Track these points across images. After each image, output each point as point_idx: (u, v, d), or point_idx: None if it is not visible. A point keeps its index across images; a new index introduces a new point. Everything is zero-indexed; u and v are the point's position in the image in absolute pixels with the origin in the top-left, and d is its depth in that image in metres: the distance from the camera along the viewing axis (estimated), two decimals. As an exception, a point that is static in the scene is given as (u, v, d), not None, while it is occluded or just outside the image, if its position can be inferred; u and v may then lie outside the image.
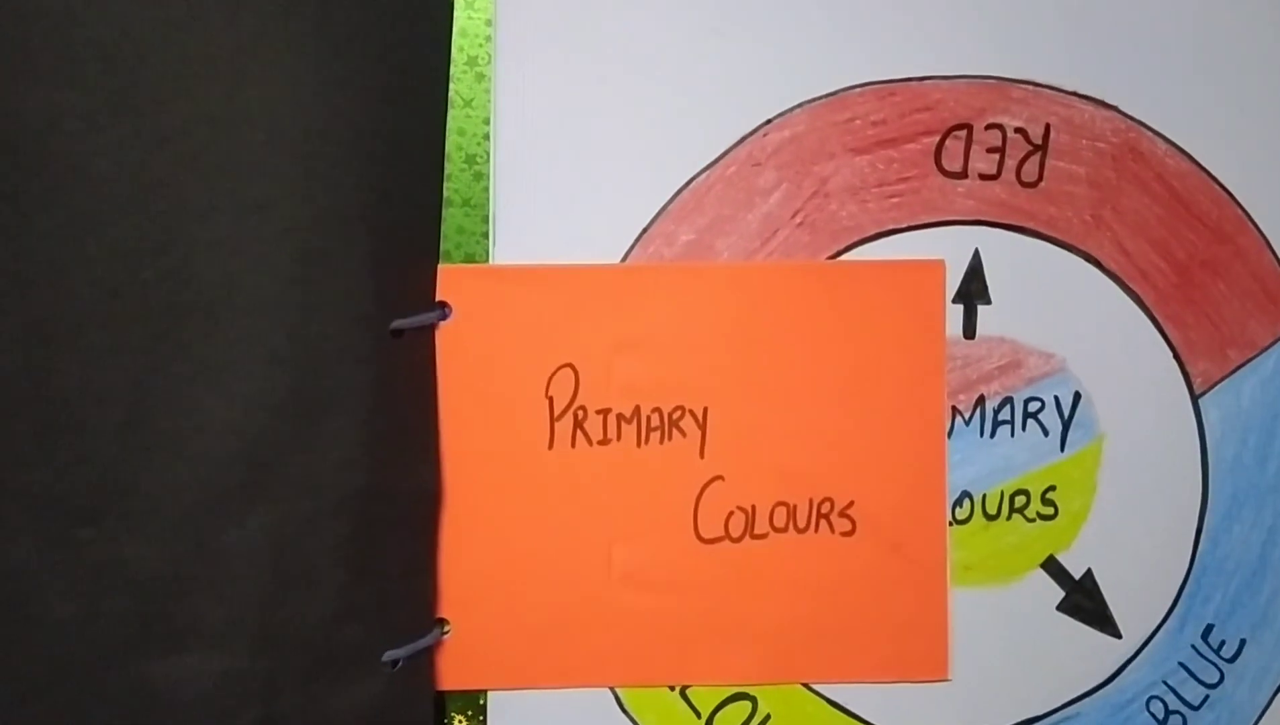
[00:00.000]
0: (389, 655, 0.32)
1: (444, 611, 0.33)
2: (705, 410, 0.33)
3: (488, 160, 0.33)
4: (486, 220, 0.33)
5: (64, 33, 0.29)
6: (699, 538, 0.33)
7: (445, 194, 0.33)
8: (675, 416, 0.33)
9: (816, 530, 0.33)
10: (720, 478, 0.33)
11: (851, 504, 0.33)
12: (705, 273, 0.33)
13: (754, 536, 0.33)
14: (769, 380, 0.33)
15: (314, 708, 0.31)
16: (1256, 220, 0.34)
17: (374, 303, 0.31)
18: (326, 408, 0.31)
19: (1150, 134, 0.34)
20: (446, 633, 0.33)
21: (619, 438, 0.33)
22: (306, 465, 0.31)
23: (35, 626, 0.30)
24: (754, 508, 0.33)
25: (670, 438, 0.33)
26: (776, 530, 0.33)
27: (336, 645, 0.31)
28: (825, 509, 0.33)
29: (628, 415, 0.33)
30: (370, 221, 0.31)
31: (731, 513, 0.33)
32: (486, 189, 0.33)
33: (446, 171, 0.32)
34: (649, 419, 0.33)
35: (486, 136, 0.33)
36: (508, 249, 0.33)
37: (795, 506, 0.33)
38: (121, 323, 0.30)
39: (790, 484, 0.33)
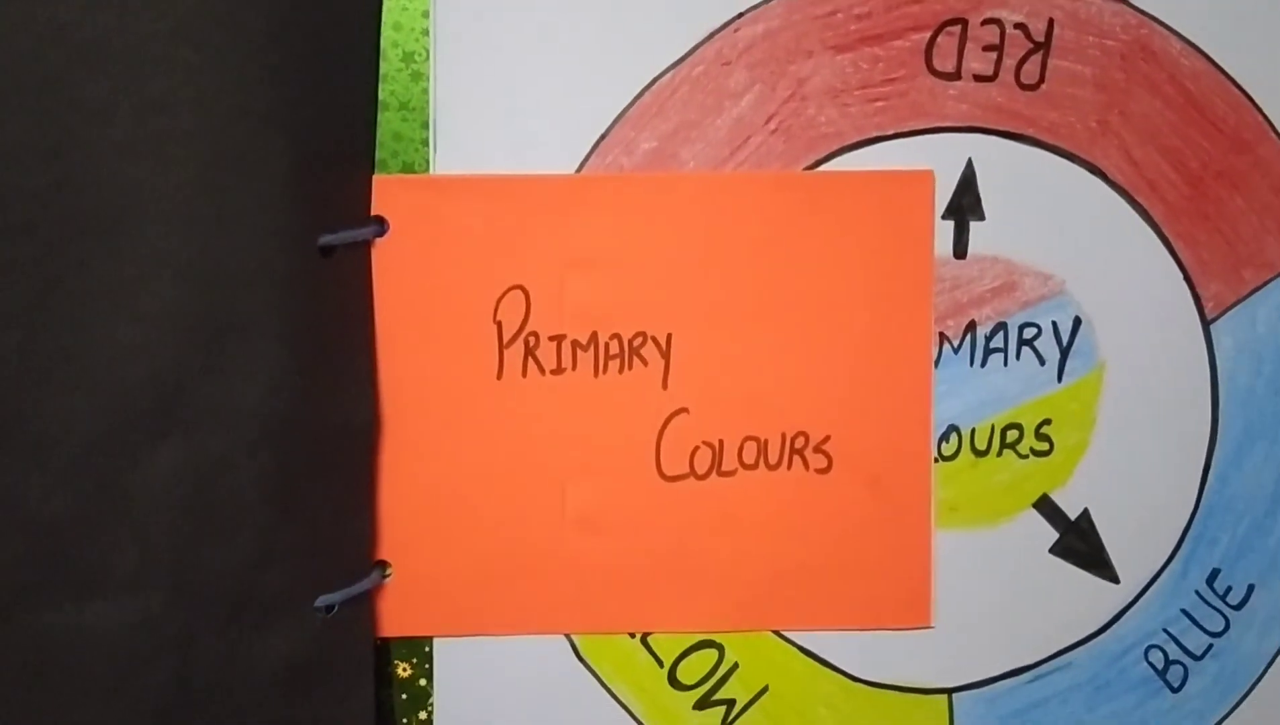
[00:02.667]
0: (322, 600, 0.28)
1: (384, 554, 0.29)
2: (669, 337, 0.29)
3: (427, 58, 0.29)
4: (426, 125, 0.29)
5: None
6: (661, 475, 0.29)
7: (380, 96, 0.29)
8: (636, 343, 0.29)
9: (789, 467, 0.29)
10: (685, 410, 0.29)
11: (827, 439, 0.29)
12: (669, 184, 0.29)
13: (721, 474, 0.29)
14: (739, 304, 0.29)
15: (238, 657, 0.28)
16: (1279, 127, 0.30)
17: (297, 215, 0.27)
18: (245, 331, 0.27)
19: (1164, 31, 0.30)
20: (388, 576, 0.29)
21: (574, 367, 0.29)
22: (223, 394, 0.27)
23: (-77, 571, 0.26)
24: (721, 443, 0.29)
25: (630, 367, 0.29)
26: (746, 467, 0.29)
27: (261, 590, 0.28)
28: (799, 444, 0.29)
29: (584, 342, 0.29)
30: (292, 124, 0.27)
31: (697, 448, 0.29)
32: (426, 90, 0.29)
33: (381, 71, 0.28)
34: (607, 346, 0.29)
35: (426, 31, 0.29)
36: (450, 157, 0.29)
37: (766, 441, 0.29)
38: (11, 236, 0.26)
39: (761, 417, 0.29)
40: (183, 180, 0.26)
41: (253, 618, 0.28)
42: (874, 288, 0.29)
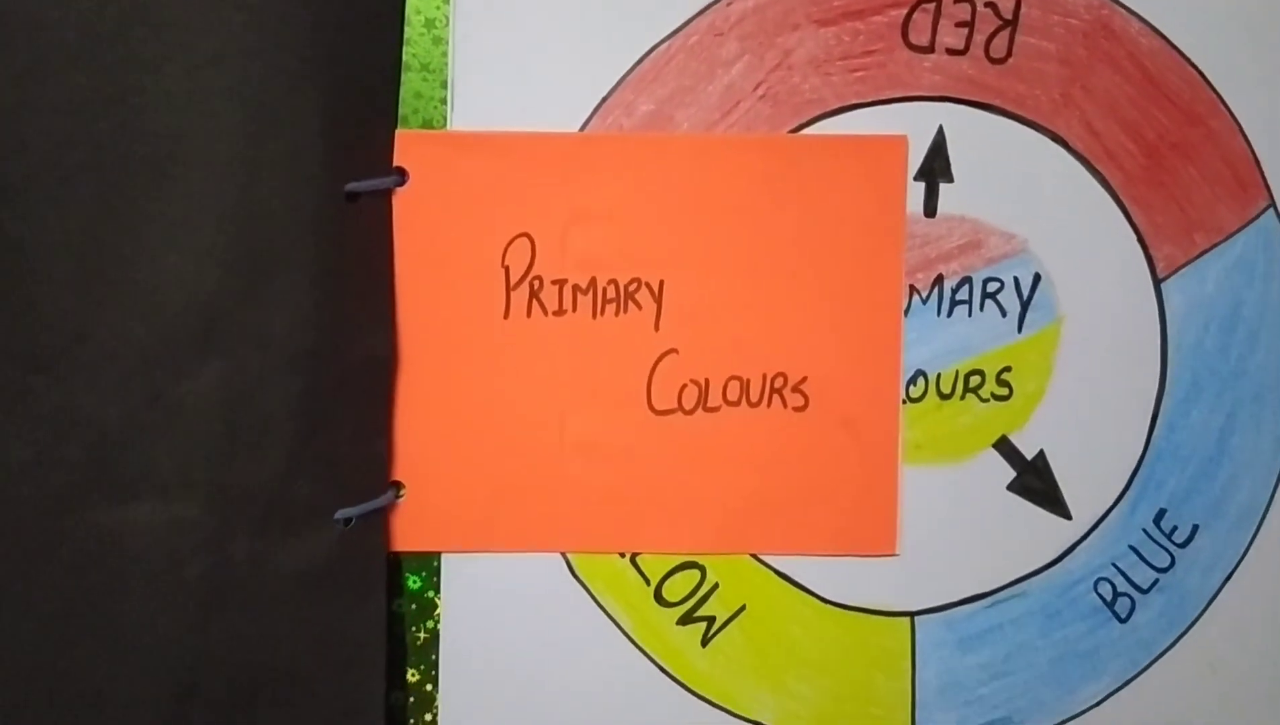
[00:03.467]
0: (341, 513, 0.31)
1: (399, 475, 0.32)
2: (661, 283, 0.32)
3: (447, 24, 0.31)
4: (445, 86, 0.31)
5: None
6: (652, 409, 0.32)
7: (404, 59, 0.31)
8: (631, 289, 0.32)
9: (769, 405, 0.32)
10: (674, 351, 0.32)
11: (804, 380, 0.32)
12: (664, 144, 0.32)
13: (706, 409, 0.32)
14: (726, 254, 0.31)
15: (264, 559, 0.31)
16: (1229, 103, 0.32)
17: (326, 164, 0.30)
18: (278, 266, 0.30)
19: (1124, 12, 0.32)
20: (401, 496, 0.32)
21: (574, 308, 0.32)
22: (258, 322, 0.30)
23: (-8, 470, 0.29)
24: (707, 381, 0.32)
25: (626, 310, 0.32)
26: (729, 404, 0.32)
27: (287, 500, 0.30)
28: (778, 384, 0.32)
29: (584, 286, 0.31)
30: (324, 83, 0.30)
31: (685, 385, 0.32)
32: (445, 54, 0.31)
33: (405, 35, 0.31)
34: (605, 291, 0.32)
35: (446, 0, 0.31)
36: (466, 115, 0.31)
37: (748, 380, 0.32)
38: (74, 174, 0.29)
39: (744, 358, 0.32)
40: (225, 130, 0.29)
41: (278, 525, 0.31)
42: (850, 242, 0.32)
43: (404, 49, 0.31)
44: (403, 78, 0.31)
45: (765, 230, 0.32)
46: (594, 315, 0.32)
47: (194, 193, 0.29)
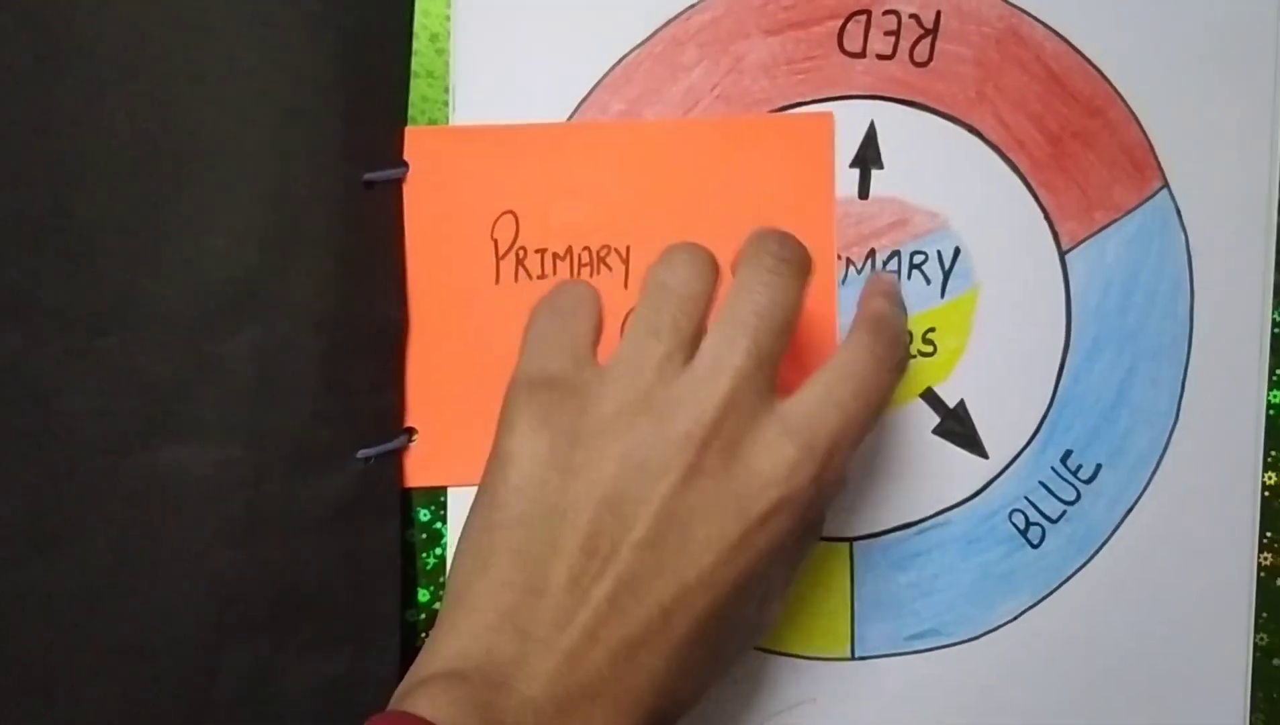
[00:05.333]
0: (361, 453, 0.35)
1: (411, 422, 0.36)
2: (628, 248, 0.35)
3: (448, 38, 0.36)
4: (447, 90, 0.36)
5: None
6: None
7: (412, 68, 0.36)
8: (603, 254, 0.35)
9: None
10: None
11: None
12: (627, 129, 0.35)
13: None
14: (680, 224, 0.35)
15: (294, 494, 0.35)
16: (1125, 96, 0.36)
17: (346, 158, 0.34)
18: (305, 244, 0.34)
19: (1030, 19, 0.36)
20: (413, 440, 0.36)
21: (555, 272, 0.36)
22: (287, 292, 0.34)
23: (62, 417, 0.34)
24: None
25: (599, 271, 0.35)
26: None
27: (313, 444, 0.35)
28: None
29: (561, 254, 0.35)
30: (344, 88, 0.34)
31: None
32: (447, 63, 0.36)
33: (413, 48, 0.36)
34: (580, 256, 0.35)
35: (448, 17, 0.36)
36: (465, 115, 0.36)
37: None
38: (133, 167, 0.33)
39: None
40: (259, 129, 0.34)
41: (306, 465, 0.35)
42: (785, 212, 0.35)
43: (412, 59, 0.36)
44: (411, 84, 0.36)
45: (711, 202, 0.35)
46: (572, 277, 0.36)
47: (232, 182, 0.34)
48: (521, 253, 0.35)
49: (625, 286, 0.35)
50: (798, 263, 0.30)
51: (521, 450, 0.30)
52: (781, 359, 0.30)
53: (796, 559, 0.32)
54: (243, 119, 0.34)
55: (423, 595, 0.37)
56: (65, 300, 0.34)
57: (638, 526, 0.28)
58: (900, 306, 0.34)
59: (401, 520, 0.36)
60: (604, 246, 0.35)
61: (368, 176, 0.35)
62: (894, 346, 0.31)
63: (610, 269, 0.35)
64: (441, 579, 0.37)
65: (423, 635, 0.37)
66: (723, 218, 0.35)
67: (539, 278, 0.35)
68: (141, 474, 0.34)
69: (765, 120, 0.35)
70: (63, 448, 0.34)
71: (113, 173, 0.33)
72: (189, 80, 0.33)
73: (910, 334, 0.36)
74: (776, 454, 0.29)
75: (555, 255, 0.36)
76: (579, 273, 0.35)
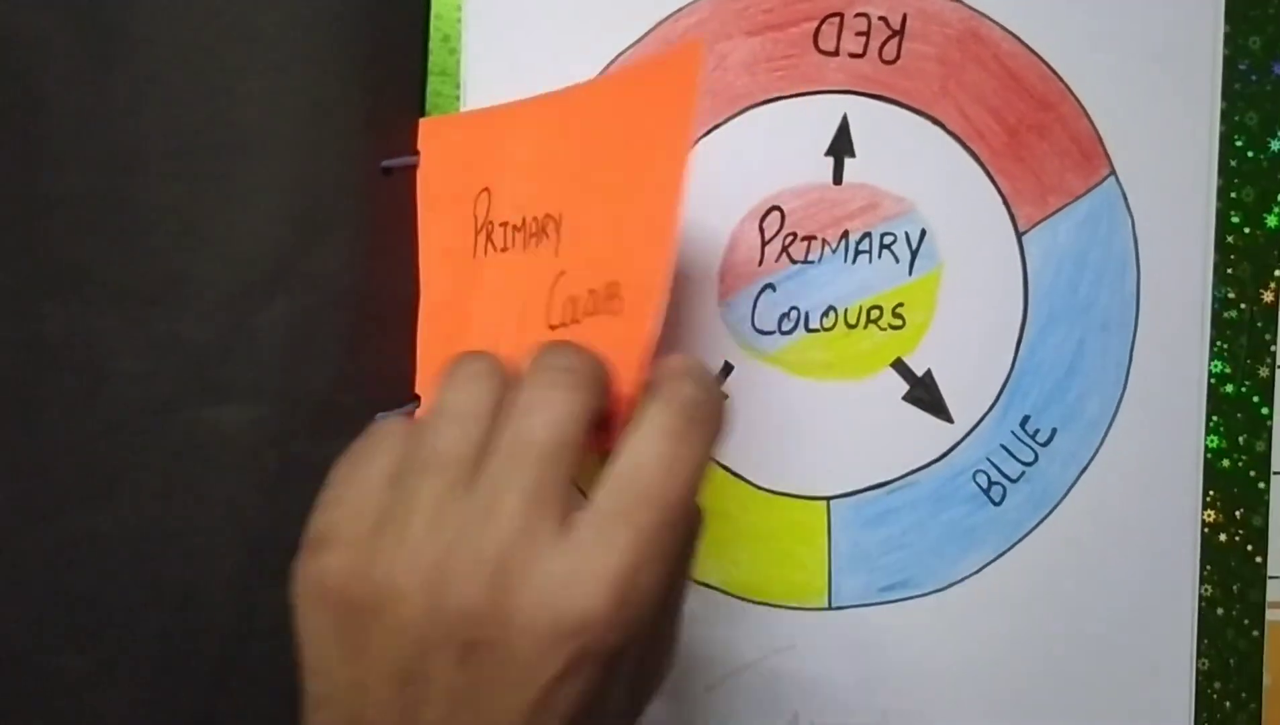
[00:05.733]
0: (380, 417, 0.39)
1: (418, 389, 0.40)
2: (561, 215, 0.35)
3: (460, 38, 0.39)
4: (458, 87, 0.39)
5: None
6: (549, 325, 0.34)
7: (427, 66, 0.39)
8: (545, 223, 0.35)
9: (604, 313, 0.33)
10: (564, 272, 0.34)
11: (619, 285, 0.32)
12: (554, 99, 0.36)
13: (575, 321, 0.34)
14: (593, 184, 0.34)
15: (319, 454, 0.38)
16: (1075, 91, 0.40)
17: (368, 146, 0.38)
18: (331, 225, 0.38)
19: (989, 21, 0.39)
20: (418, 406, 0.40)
21: (512, 244, 0.36)
22: (315, 267, 0.38)
23: (114, 379, 0.37)
24: (577, 296, 0.34)
25: (541, 242, 0.35)
26: (588, 314, 0.33)
27: (336, 407, 0.38)
28: (610, 292, 0.33)
29: (517, 225, 0.36)
30: (367, 84, 0.38)
31: (565, 301, 0.34)
32: (458, 62, 0.39)
33: (428, 48, 0.39)
34: (529, 226, 0.36)
35: (459, 20, 0.39)
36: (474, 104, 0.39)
37: (596, 290, 0.33)
38: (181, 154, 0.37)
39: (595, 272, 0.33)
40: (291, 120, 0.37)
41: (330, 426, 0.38)
42: (646, 152, 0.33)
43: (427, 59, 0.39)
44: (426, 81, 0.39)
45: (612, 159, 0.34)
46: (524, 248, 0.36)
47: (267, 168, 0.37)
48: (490, 227, 0.37)
49: (555, 254, 0.35)
50: (582, 372, 0.28)
51: (308, 629, 0.28)
52: (570, 477, 0.27)
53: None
54: (276, 112, 0.37)
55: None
56: (118, 274, 0.37)
57: (428, 708, 0.26)
58: (701, 382, 0.29)
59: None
60: (545, 215, 0.35)
61: (386, 163, 0.38)
62: (689, 433, 0.27)
63: (547, 237, 0.35)
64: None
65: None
66: (617, 171, 0.34)
67: (502, 250, 0.36)
68: (184, 431, 0.38)
69: (643, 62, 0.36)
70: (114, 407, 0.38)
71: (162, 159, 0.37)
72: (231, 76, 0.37)
73: (881, 308, 0.40)
74: (563, 603, 0.25)
75: (513, 226, 0.36)
76: (528, 243, 0.35)
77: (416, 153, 0.39)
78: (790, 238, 0.40)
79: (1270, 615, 0.41)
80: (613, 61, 0.39)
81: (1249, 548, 0.40)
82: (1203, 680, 0.41)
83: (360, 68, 0.38)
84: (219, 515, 0.38)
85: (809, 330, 0.40)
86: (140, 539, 0.38)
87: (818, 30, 0.39)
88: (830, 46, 0.39)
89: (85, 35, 0.37)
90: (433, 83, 0.39)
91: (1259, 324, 0.40)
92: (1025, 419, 0.40)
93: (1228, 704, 0.41)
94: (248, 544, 0.38)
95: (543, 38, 0.39)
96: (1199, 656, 0.40)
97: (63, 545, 0.38)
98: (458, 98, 0.39)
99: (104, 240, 0.37)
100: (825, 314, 0.40)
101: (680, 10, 0.39)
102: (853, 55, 0.39)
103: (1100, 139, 0.40)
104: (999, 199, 0.40)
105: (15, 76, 0.37)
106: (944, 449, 0.40)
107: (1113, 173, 0.40)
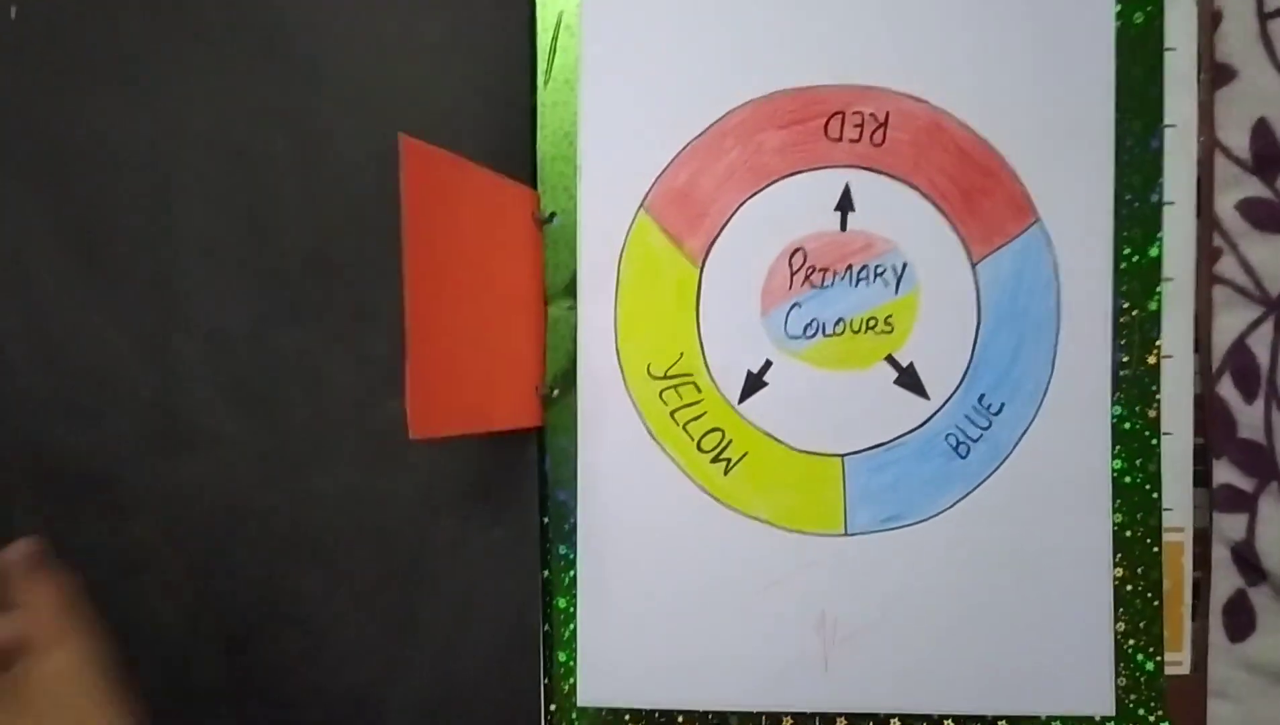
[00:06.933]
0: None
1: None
2: None
3: (577, 135, 0.55)
4: (576, 169, 0.55)
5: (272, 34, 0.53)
6: None
7: (550, 153, 0.55)
8: None
9: None
10: None
11: None
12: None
13: None
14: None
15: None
16: (1010, 163, 0.55)
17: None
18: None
19: (948, 115, 0.55)
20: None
21: None
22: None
23: (330, 383, 0.53)
24: None
25: None
26: None
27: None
28: None
29: None
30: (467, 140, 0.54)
31: None
32: (575, 150, 0.55)
33: (551, 140, 0.55)
34: None
35: (576, 123, 0.55)
36: (587, 183, 0.55)
37: None
38: (378, 213, 0.53)
39: None
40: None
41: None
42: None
43: (549, 146, 0.55)
44: (550, 165, 0.55)
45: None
46: None
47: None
48: None
49: None
50: None
51: None
52: None
53: None
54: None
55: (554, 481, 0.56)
56: (333, 302, 0.53)
57: None
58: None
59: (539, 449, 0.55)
60: None
61: (543, 217, 0.54)
62: None
63: None
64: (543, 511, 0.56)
65: (569, 521, 0.56)
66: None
67: None
68: (378, 419, 0.54)
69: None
70: (330, 402, 0.54)
71: (373, 217, 0.53)
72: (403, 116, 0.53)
73: (877, 318, 0.55)
74: None
75: None
76: None
77: (548, 219, 0.55)
78: (811, 269, 0.55)
79: (1166, 537, 0.55)
80: (683, 148, 0.55)
81: (1147, 487, 0.55)
82: (1119, 584, 0.55)
83: (465, 138, 0.54)
84: (405, 475, 0.54)
85: (826, 335, 0.55)
86: (350, 494, 0.54)
87: (826, 123, 0.55)
88: (836, 135, 0.55)
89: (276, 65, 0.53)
90: (556, 165, 0.55)
91: (1146, 325, 0.55)
92: (981, 396, 0.55)
93: (1138, 602, 0.55)
94: (421, 494, 0.54)
95: (634, 133, 0.55)
96: (1115, 567, 0.55)
97: (300, 500, 0.54)
98: (575, 176, 0.55)
99: (328, 277, 0.54)
100: (837, 323, 0.55)
101: (731, 111, 0.55)
102: (852, 141, 0.55)
103: (1029, 196, 0.55)
104: (958, 239, 0.55)
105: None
106: (924, 418, 0.55)
107: (1038, 220, 0.55)
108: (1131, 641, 0.55)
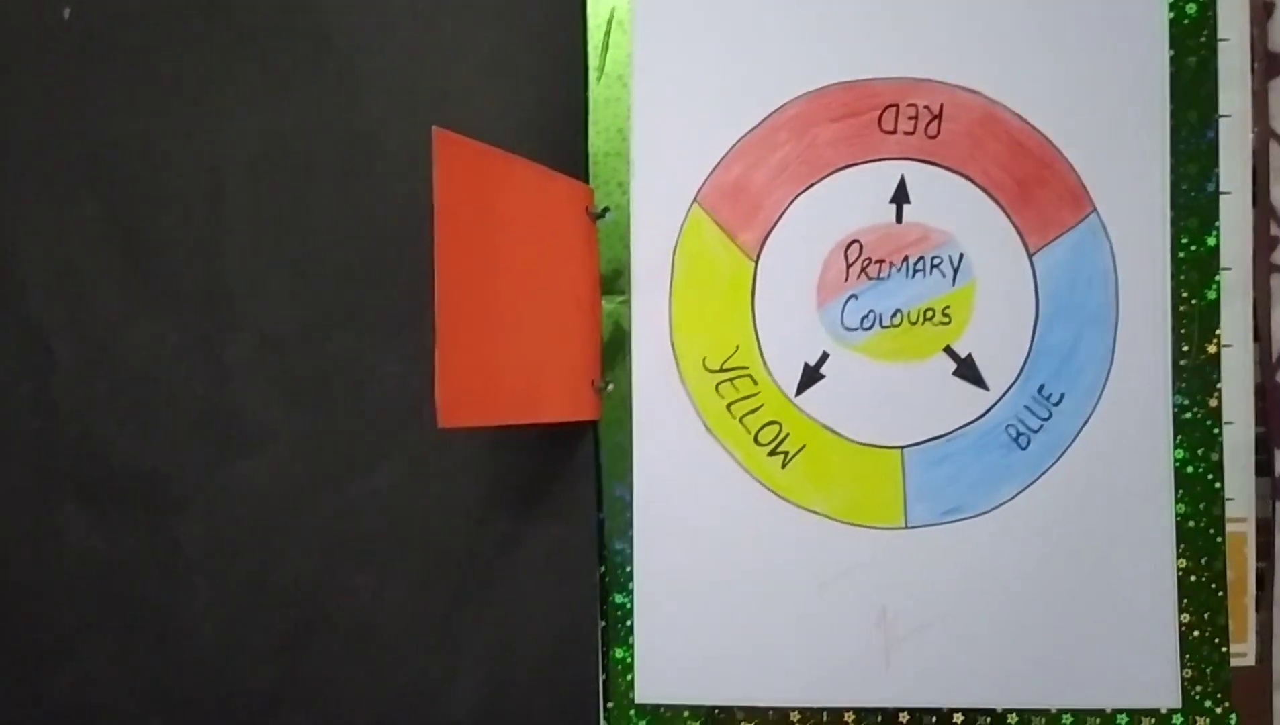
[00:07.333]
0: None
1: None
2: None
3: (630, 130, 0.55)
4: (629, 164, 0.55)
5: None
6: None
7: (604, 149, 0.55)
8: None
9: None
10: None
11: None
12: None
13: None
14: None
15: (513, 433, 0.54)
16: (1066, 154, 0.55)
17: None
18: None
19: (1002, 106, 0.55)
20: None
21: None
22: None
23: (380, 383, 0.53)
24: None
25: None
26: None
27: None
28: None
29: None
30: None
31: None
32: (628, 144, 0.55)
33: (604, 135, 0.55)
34: None
35: (629, 118, 0.55)
36: (640, 179, 0.55)
37: None
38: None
39: None
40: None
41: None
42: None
43: (600, 143, 0.55)
44: (602, 161, 0.55)
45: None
46: None
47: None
48: None
49: None
50: None
51: None
52: None
53: None
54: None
55: (608, 487, 0.55)
56: (383, 304, 0.53)
57: None
58: None
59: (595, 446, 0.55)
60: None
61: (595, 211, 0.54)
62: None
63: None
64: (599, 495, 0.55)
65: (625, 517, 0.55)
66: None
67: None
68: (429, 419, 0.53)
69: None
70: (380, 404, 0.53)
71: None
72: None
73: (934, 310, 0.55)
74: None
75: None
76: None
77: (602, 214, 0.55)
78: (867, 261, 0.55)
79: (1228, 528, 0.55)
80: (736, 142, 0.55)
81: (1210, 477, 0.55)
82: (1182, 575, 0.55)
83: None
84: (459, 470, 0.53)
85: (883, 327, 0.55)
86: (404, 496, 0.54)
87: (881, 116, 0.55)
88: (890, 127, 0.55)
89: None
90: (609, 162, 0.55)
91: (1205, 315, 0.55)
92: (1041, 387, 0.55)
93: (1202, 593, 0.54)
94: (475, 493, 0.53)
95: (688, 128, 0.55)
96: (1178, 558, 0.55)
97: (351, 500, 0.54)
98: (628, 171, 0.55)
99: (376, 283, 0.53)
100: (894, 315, 0.55)
101: (784, 105, 0.55)
102: (906, 133, 0.55)
103: (1084, 187, 0.55)
104: (1014, 231, 0.55)
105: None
106: (983, 410, 0.55)
107: (1095, 210, 0.55)
108: (1196, 633, 0.54)
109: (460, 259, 0.44)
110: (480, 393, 0.45)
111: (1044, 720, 0.54)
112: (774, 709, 0.54)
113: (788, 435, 0.55)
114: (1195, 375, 0.55)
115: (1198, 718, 0.54)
